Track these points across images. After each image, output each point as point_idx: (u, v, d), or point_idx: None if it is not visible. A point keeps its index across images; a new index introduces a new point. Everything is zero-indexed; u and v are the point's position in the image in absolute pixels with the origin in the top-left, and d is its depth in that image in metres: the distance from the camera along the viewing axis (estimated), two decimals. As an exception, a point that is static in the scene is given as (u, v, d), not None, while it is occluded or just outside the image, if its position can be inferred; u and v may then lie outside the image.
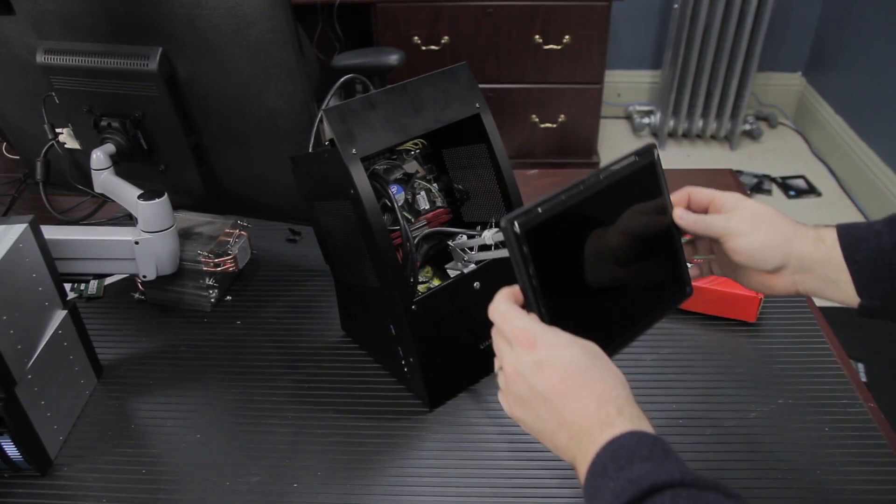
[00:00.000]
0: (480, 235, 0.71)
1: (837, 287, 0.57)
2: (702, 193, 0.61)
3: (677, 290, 0.62)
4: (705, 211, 0.61)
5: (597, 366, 0.48)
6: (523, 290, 0.50)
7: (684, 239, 0.63)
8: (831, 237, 0.57)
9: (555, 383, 0.47)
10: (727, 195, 0.61)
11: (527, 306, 0.50)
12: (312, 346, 0.85)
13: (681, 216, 0.60)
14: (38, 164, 0.99)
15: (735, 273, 0.63)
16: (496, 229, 0.70)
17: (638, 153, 0.57)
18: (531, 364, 0.48)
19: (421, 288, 0.76)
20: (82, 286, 0.95)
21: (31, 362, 0.68)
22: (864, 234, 0.56)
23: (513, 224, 0.48)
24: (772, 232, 0.58)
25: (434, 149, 0.81)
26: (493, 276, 0.74)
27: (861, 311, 0.57)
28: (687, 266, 0.62)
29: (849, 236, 0.57)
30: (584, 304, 0.54)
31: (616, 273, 0.56)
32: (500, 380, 0.51)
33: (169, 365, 0.83)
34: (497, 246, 0.70)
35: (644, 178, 0.59)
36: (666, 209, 0.60)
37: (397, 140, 0.71)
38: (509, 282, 0.52)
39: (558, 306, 0.51)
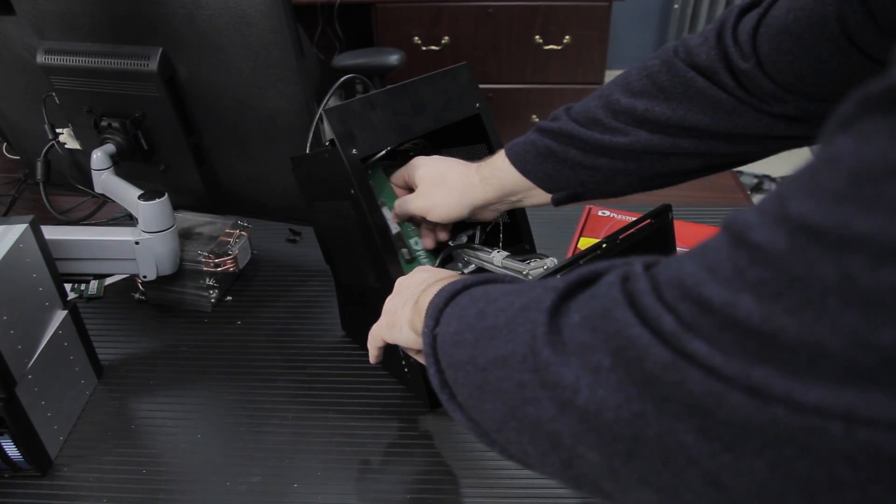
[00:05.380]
0: (490, 252, 0.71)
1: (530, 197, 0.69)
2: (404, 172, 0.73)
3: None
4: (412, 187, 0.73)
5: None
6: None
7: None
8: (494, 168, 0.68)
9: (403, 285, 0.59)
10: (412, 165, 0.72)
11: None
12: (312, 346, 0.85)
13: (394, 216, 0.74)
14: (39, 165, 0.99)
15: (446, 224, 0.76)
16: (506, 253, 0.70)
17: (654, 215, 0.59)
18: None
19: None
20: (82, 286, 0.95)
21: (31, 362, 0.68)
22: (525, 148, 0.66)
23: None
24: (452, 191, 0.70)
25: (434, 149, 0.81)
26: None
27: (554, 202, 0.68)
28: None
29: (515, 157, 0.67)
30: None
31: None
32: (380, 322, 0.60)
33: (169, 365, 0.83)
34: (504, 267, 0.70)
35: (658, 239, 0.60)
36: None
37: (397, 140, 0.71)
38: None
39: None
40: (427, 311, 0.45)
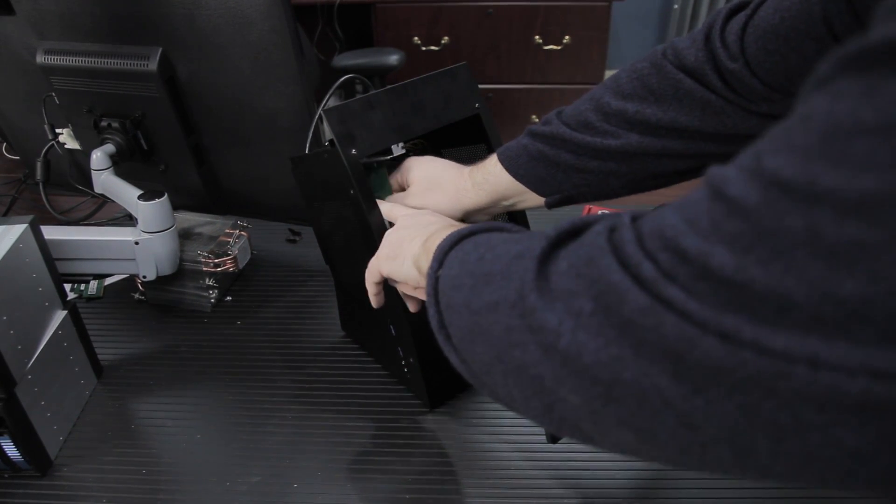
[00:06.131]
0: None
1: (523, 201, 0.69)
2: (398, 175, 0.74)
3: None
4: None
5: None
6: None
7: None
8: (487, 173, 0.68)
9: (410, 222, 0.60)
10: (405, 167, 0.73)
11: None
12: (312, 346, 0.85)
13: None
14: (39, 165, 0.99)
15: None
16: None
17: None
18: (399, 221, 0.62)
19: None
20: (82, 286, 0.95)
21: (31, 362, 0.68)
22: (517, 152, 0.66)
23: None
24: (445, 195, 0.70)
25: (434, 149, 0.81)
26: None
27: (548, 205, 0.68)
28: None
29: (508, 161, 0.67)
30: None
31: None
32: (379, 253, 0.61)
33: (169, 365, 0.83)
34: None
35: None
36: None
37: (397, 140, 0.72)
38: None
39: None
40: (434, 253, 0.46)
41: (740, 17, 0.54)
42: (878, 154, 0.22)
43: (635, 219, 0.32)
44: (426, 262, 0.48)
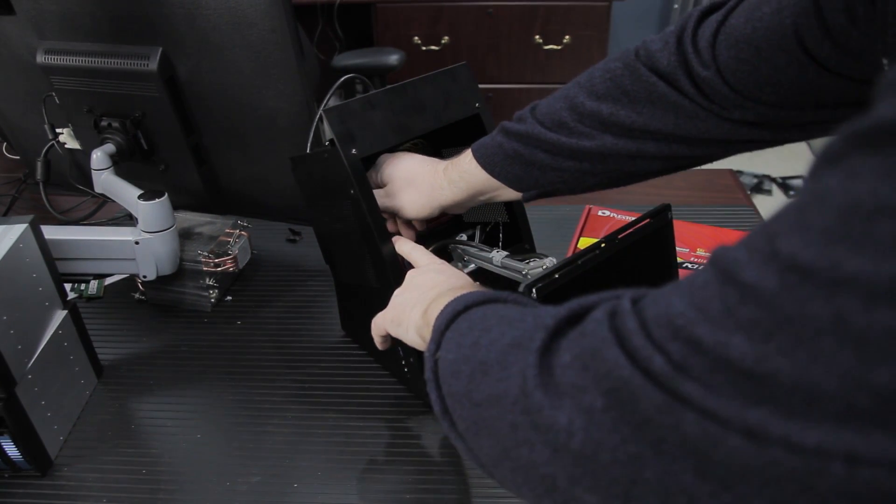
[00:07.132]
0: (490, 252, 0.72)
1: (500, 196, 0.69)
2: (373, 172, 0.74)
3: None
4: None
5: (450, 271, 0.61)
6: None
7: None
8: (462, 171, 0.68)
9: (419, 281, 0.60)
10: (378, 164, 0.73)
11: None
12: (312, 346, 0.85)
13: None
14: (39, 164, 0.99)
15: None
16: (505, 252, 0.70)
17: (653, 215, 0.60)
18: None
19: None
20: (82, 286, 0.95)
21: (31, 362, 0.68)
22: (493, 151, 0.66)
23: (531, 291, 0.50)
24: (420, 193, 0.70)
25: (434, 149, 0.81)
26: (492, 275, 0.74)
27: (524, 200, 0.69)
28: None
29: (483, 159, 0.67)
30: None
31: None
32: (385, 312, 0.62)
33: (169, 365, 0.83)
34: (504, 267, 0.70)
35: (658, 239, 0.61)
36: (672, 264, 0.63)
37: (397, 140, 0.72)
38: (508, 282, 0.52)
39: None
40: (431, 331, 0.45)
41: (712, 22, 0.54)
42: None
43: (635, 302, 0.30)
44: (427, 333, 0.47)
